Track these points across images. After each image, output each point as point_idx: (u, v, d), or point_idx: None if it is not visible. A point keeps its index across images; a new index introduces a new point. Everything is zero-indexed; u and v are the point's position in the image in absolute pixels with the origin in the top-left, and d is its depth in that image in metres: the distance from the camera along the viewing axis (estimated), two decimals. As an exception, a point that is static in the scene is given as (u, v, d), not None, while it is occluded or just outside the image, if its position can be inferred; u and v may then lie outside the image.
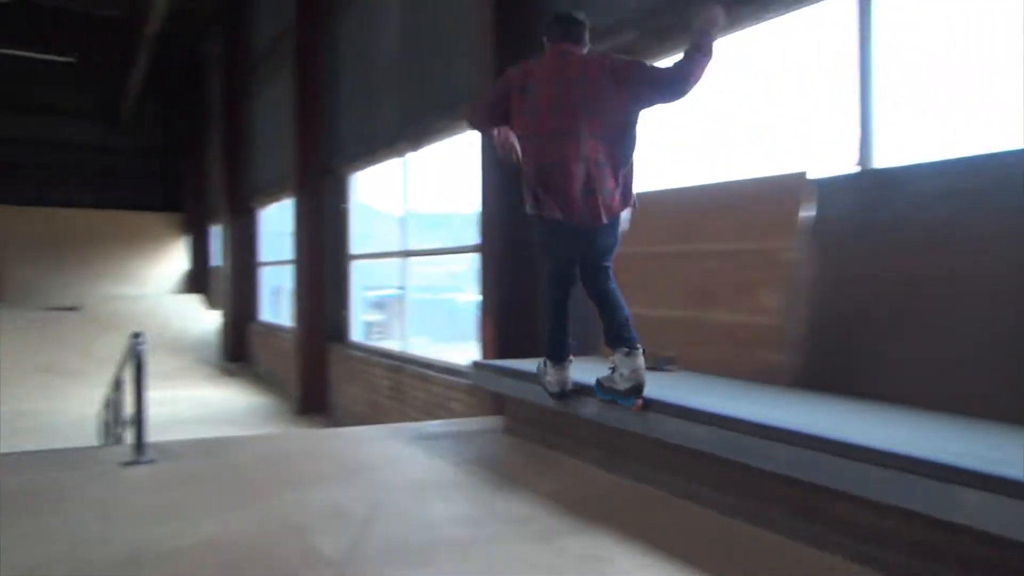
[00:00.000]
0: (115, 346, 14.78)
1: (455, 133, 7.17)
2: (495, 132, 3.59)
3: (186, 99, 20.53)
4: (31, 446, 8.47)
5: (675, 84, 3.14)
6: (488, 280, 5.96)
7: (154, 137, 22.24)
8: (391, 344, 10.47)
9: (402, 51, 8.30)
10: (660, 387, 3.46)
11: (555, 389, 3.73)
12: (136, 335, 4.07)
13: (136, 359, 4.02)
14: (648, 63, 3.32)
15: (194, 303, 17.48)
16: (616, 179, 3.33)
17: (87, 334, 14.63)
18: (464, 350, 12.22)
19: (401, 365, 8.09)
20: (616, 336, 3.37)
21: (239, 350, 14.98)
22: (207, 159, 19.28)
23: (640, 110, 3.28)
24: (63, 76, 20.40)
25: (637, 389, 3.30)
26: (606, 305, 3.43)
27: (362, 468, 3.82)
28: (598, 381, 3.51)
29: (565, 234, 3.38)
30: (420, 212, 8.52)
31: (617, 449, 3.71)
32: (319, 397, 10.37)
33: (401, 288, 8.43)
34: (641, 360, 3.32)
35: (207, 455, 4.16)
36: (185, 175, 21.25)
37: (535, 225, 3.49)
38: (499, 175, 5.76)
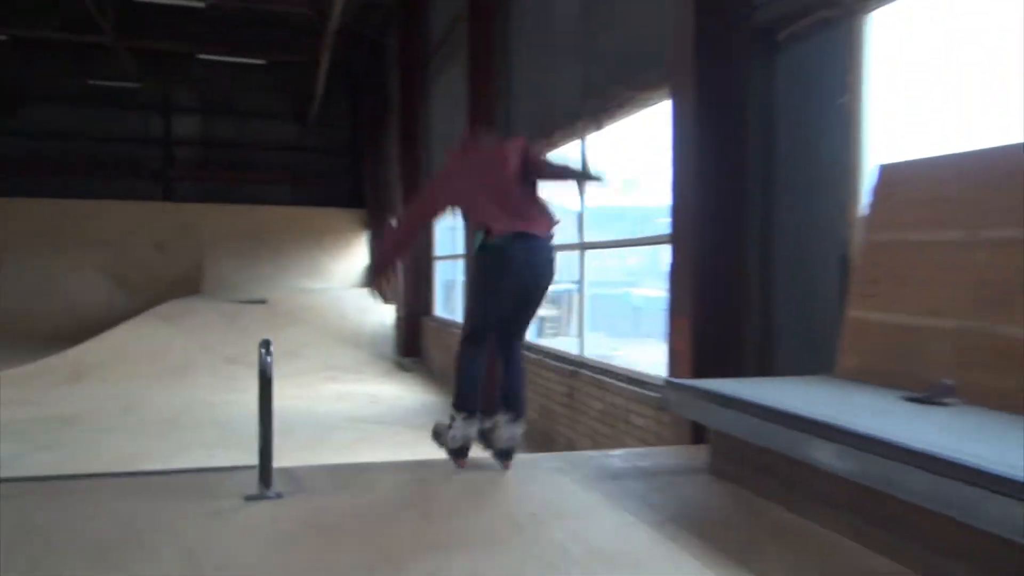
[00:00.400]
0: (298, 339, 15.18)
1: (642, 106, 6.16)
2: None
3: (369, 96, 20.89)
4: (202, 441, 8.57)
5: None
6: (681, 277, 4.89)
7: (340, 135, 22.98)
8: (566, 344, 9.62)
9: (581, 21, 7.38)
10: (938, 429, 2.31)
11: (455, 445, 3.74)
12: (264, 344, 3.40)
13: (262, 373, 3.37)
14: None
15: (370, 298, 17.65)
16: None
17: (272, 326, 15.02)
18: (642, 349, 11.22)
19: (576, 370, 7.20)
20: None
21: (413, 345, 14.79)
22: (388, 154, 19.46)
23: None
24: (257, 79, 21.46)
25: (464, 451, 3.77)
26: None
27: (525, 522, 2.94)
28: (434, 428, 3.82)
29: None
30: (595, 206, 7.58)
31: (885, 520, 2.58)
32: (490, 397, 9.71)
33: (576, 283, 7.54)
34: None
35: (341, 489, 3.44)
36: (367, 171, 21.69)
37: None
38: (698, 153, 4.70)
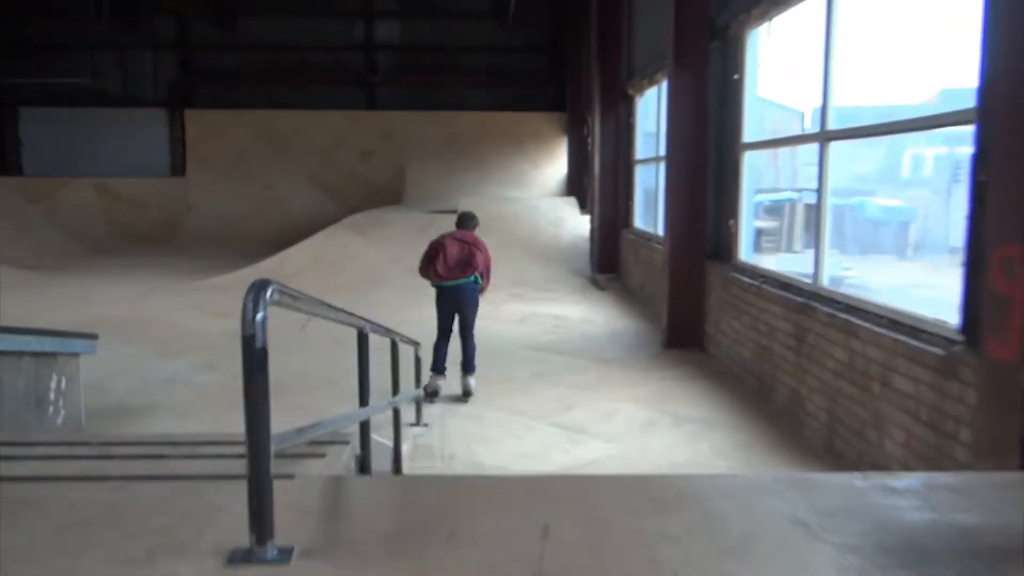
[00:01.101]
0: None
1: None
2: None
3: (569, -14, 19.00)
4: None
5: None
6: (1012, 175, 2.99)
7: (541, 34, 21.39)
8: (790, 263, 7.74)
9: None
10: None
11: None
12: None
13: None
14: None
15: (567, 206, 16.27)
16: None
17: (462, 237, 14.25)
18: (879, 269, 8.97)
19: (808, 303, 5.43)
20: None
21: (609, 260, 13.35)
22: (588, 51, 17.65)
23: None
24: (455, -25, 20.33)
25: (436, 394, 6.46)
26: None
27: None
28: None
29: None
30: (838, 105, 5.53)
31: None
32: (693, 328, 8.14)
33: (800, 190, 5.65)
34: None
35: (407, 542, 2.13)
36: (568, 72, 20.00)
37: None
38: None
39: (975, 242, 3.69)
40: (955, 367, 3.71)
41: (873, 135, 5.28)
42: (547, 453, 5.18)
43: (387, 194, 20.41)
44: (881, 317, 4.56)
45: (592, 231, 13.84)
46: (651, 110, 12.24)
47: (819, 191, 5.45)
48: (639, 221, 12.67)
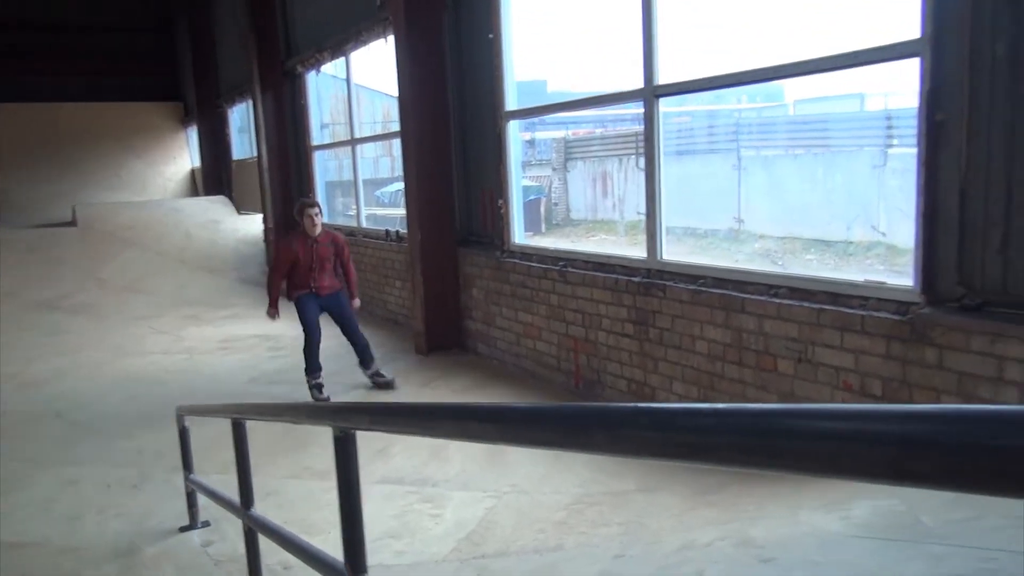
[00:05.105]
0: (134, 268, 11.41)
1: None
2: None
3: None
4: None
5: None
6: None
7: (147, 13, 17.99)
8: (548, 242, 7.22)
9: None
10: None
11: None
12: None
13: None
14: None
15: (219, 207, 13.92)
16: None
17: (93, 254, 11.23)
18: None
19: (654, 283, 4.81)
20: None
21: (290, 263, 11.61)
22: (217, 25, 15.28)
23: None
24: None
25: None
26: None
27: None
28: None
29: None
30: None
31: None
32: (454, 328, 7.14)
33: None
34: None
35: None
36: (196, 54, 16.88)
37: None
38: None
39: (930, 189, 3.34)
40: (924, 331, 3.32)
41: (720, 87, 4.66)
42: (415, 524, 3.79)
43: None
44: (778, 287, 4.08)
45: (266, 231, 11.92)
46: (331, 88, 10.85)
47: (648, 155, 4.83)
48: (325, 215, 11.14)
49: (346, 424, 1.71)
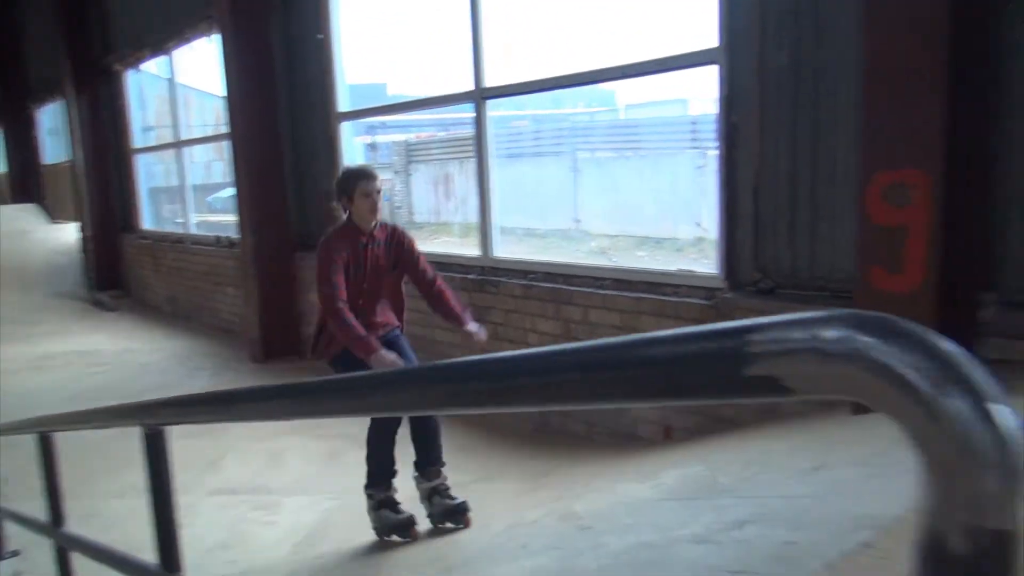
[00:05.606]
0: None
1: None
2: None
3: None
4: None
5: None
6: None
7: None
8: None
9: None
10: None
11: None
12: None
13: None
14: None
15: (28, 215, 12.74)
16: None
17: None
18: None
19: (489, 279, 4.94)
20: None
21: (112, 274, 10.87)
22: (24, 16, 14.00)
23: None
24: None
25: None
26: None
27: None
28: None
29: None
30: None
31: None
32: (290, 335, 6.97)
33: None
34: None
35: None
36: None
37: None
38: None
39: (729, 186, 3.66)
40: (727, 313, 3.64)
41: (576, 84, 4.80)
42: (248, 532, 3.68)
43: None
44: (603, 280, 4.32)
45: (84, 240, 11.07)
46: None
47: (479, 156, 4.96)
48: (149, 222, 10.54)
49: (154, 420, 1.66)
